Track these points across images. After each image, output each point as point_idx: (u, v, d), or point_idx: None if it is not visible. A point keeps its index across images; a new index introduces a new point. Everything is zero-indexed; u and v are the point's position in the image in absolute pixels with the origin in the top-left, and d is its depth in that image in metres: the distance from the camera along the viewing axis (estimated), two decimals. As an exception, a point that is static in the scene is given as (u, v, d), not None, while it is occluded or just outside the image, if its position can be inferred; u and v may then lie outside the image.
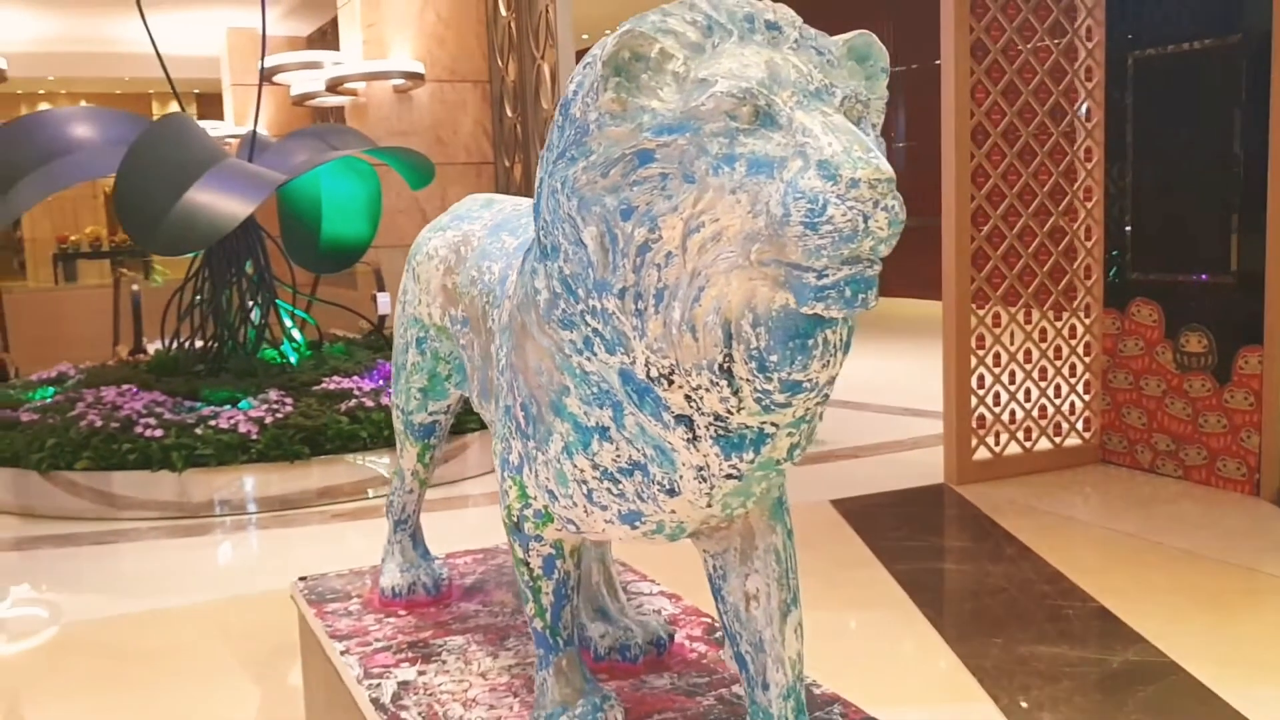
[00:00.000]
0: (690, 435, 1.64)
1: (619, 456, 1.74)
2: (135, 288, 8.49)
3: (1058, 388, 5.31)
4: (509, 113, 10.98)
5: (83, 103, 18.75)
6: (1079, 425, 5.38)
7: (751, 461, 1.66)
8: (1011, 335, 5.21)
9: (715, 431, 1.63)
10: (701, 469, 1.68)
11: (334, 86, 10.86)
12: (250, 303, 6.14)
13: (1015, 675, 3.16)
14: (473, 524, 4.75)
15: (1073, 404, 5.37)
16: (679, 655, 2.31)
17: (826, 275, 1.47)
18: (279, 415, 5.16)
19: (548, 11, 10.16)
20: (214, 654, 3.47)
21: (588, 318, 1.65)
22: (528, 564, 1.98)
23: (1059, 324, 5.30)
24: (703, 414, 1.62)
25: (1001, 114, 5.02)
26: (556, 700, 2.02)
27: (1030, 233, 5.16)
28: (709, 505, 1.72)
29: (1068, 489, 5.10)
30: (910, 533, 4.49)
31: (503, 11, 10.86)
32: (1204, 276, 4.87)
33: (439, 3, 10.92)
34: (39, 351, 8.22)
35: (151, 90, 21.36)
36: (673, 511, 1.75)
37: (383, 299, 8.75)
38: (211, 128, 14.88)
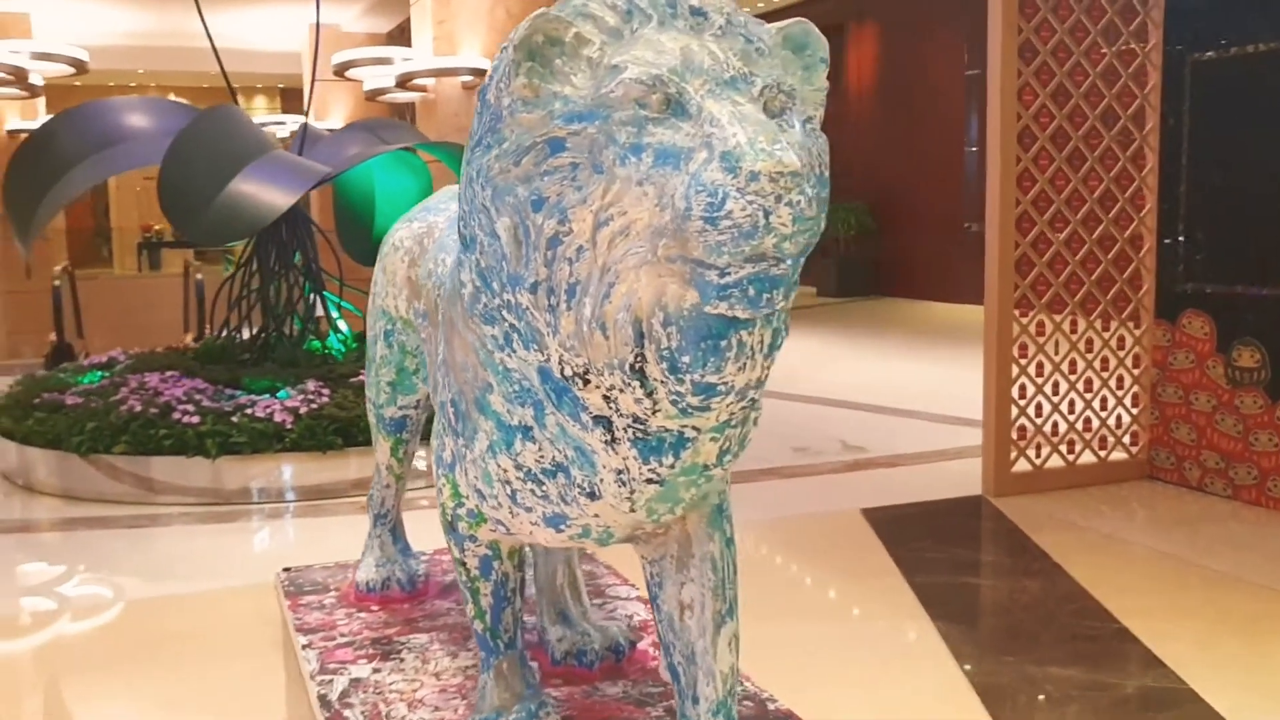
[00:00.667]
0: (609, 437, 1.59)
1: (542, 457, 1.69)
2: (199, 277, 8.67)
3: (1103, 400, 5.14)
4: (575, 110, 10.97)
5: (171, 96, 19.26)
6: (1125, 439, 5.19)
7: (672, 466, 1.60)
8: (1056, 344, 5.05)
9: (634, 434, 1.57)
10: (621, 472, 1.62)
11: (404, 82, 10.98)
12: (298, 294, 6.22)
13: (1020, 695, 3.05)
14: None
15: (1119, 417, 5.19)
16: (639, 663, 2.27)
17: (729, 273, 1.39)
18: (314, 406, 5.21)
19: (615, 9, 10.13)
20: (241, 637, 3.48)
21: (504, 312, 1.60)
22: (465, 565, 1.95)
23: (1106, 334, 5.12)
24: (621, 415, 1.56)
25: (1050, 117, 4.87)
26: (494, 704, 1.98)
27: (1078, 239, 5.00)
28: (632, 510, 1.66)
29: (1110, 505, 4.92)
30: (937, 544, 4.37)
31: (571, 9, 10.85)
32: (1260, 289, 4.66)
33: (510, 1, 10.95)
34: (116, 338, 8.43)
35: (239, 85, 21.84)
36: (596, 515, 1.70)
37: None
38: (278, 121, 15.15)
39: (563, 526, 1.75)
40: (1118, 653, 3.36)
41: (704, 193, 1.37)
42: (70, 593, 4.05)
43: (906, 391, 7.54)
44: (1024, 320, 4.96)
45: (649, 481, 1.62)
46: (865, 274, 16.15)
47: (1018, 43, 4.76)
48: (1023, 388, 5.00)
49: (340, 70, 12.12)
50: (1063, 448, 5.09)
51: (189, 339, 8.58)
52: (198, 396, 5.26)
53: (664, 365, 1.48)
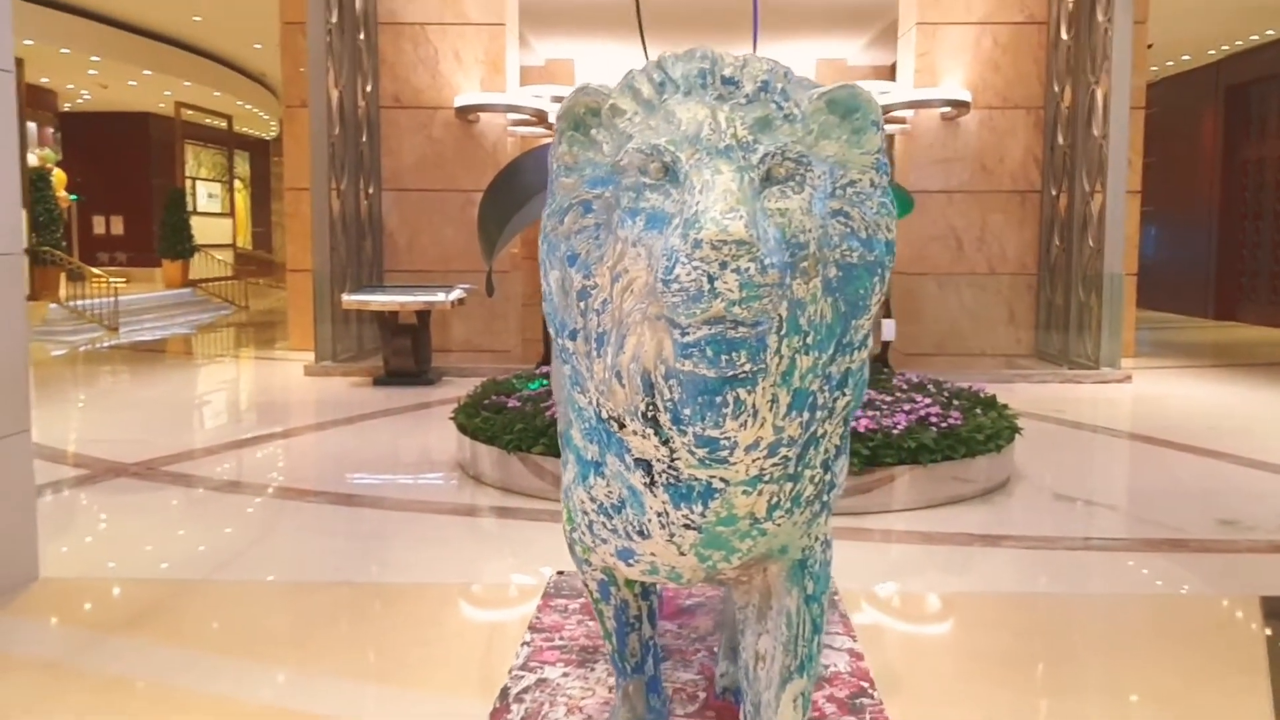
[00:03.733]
0: (648, 480, 1.71)
1: (610, 492, 1.82)
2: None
3: None
4: (1060, 140, 10.49)
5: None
6: None
7: (704, 514, 1.69)
8: None
9: (667, 479, 1.68)
10: (661, 515, 1.73)
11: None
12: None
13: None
14: (893, 559, 4.70)
15: None
16: (797, 711, 2.30)
17: (689, 333, 1.50)
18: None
19: (1105, 33, 9.59)
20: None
21: (564, 355, 1.78)
22: (587, 587, 2.11)
23: None
24: (659, 460, 1.68)
25: None
26: (616, 722, 2.14)
27: None
28: (681, 554, 1.76)
29: None
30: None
31: (1064, 35, 10.40)
32: None
33: (999, 30, 10.73)
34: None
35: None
36: (652, 555, 1.81)
37: (887, 325, 8.84)
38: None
39: (631, 561, 1.86)
40: None
41: (664, 256, 1.48)
42: (499, 573, 4.60)
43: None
44: None
45: (686, 527, 1.71)
46: None
47: None
48: None
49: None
50: None
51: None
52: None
53: (668, 416, 1.59)
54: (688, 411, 1.55)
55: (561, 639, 2.65)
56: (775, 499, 1.71)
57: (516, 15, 11.61)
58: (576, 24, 14.28)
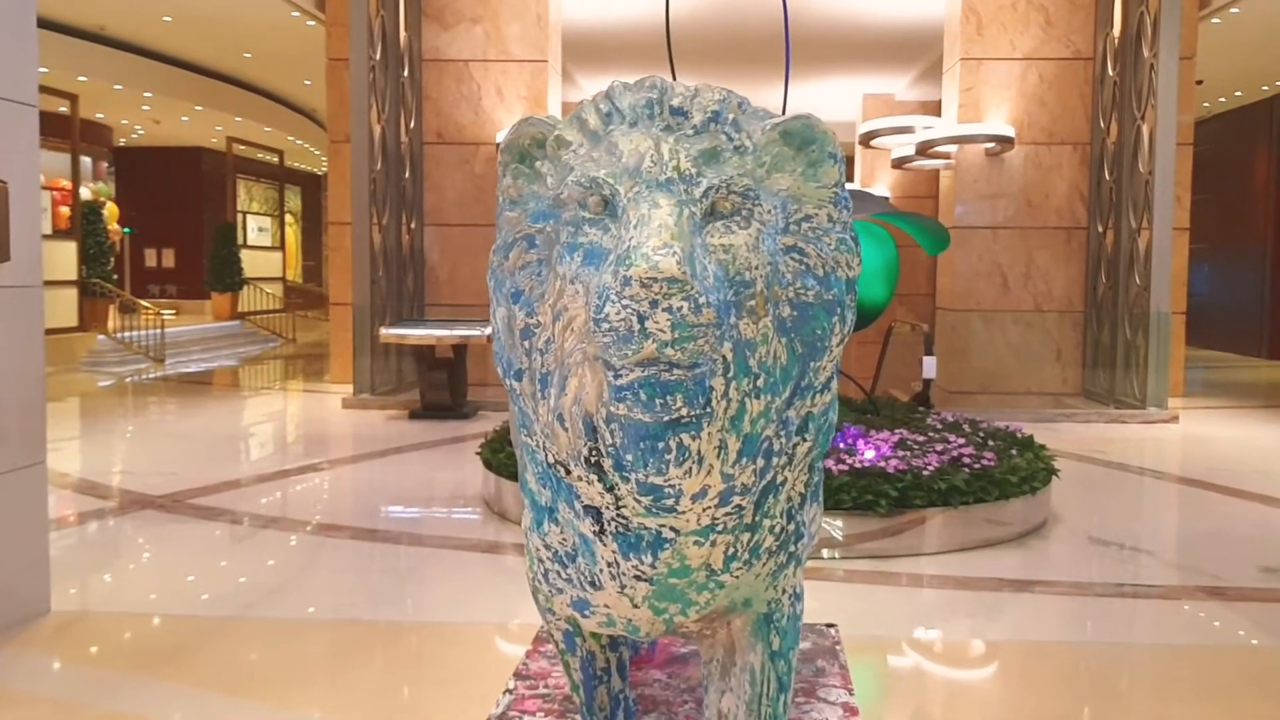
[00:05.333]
0: (598, 528, 1.61)
1: (564, 540, 1.73)
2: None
3: None
4: (1106, 176, 10.33)
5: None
6: None
7: (653, 565, 1.60)
8: None
9: (616, 527, 1.59)
10: (611, 565, 1.64)
11: (923, 150, 11.00)
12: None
13: None
14: (922, 605, 4.57)
15: None
16: (793, 770, 2.19)
17: (622, 375, 1.41)
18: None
19: (1151, 69, 9.45)
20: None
21: (512, 396, 1.70)
22: (552, 636, 2.01)
23: None
24: (607, 508, 1.59)
25: None
26: (584, 778, 2.04)
27: None
28: (635, 606, 1.67)
29: None
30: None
31: (1109, 71, 10.26)
32: None
33: (1044, 65, 10.63)
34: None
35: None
36: (606, 606, 1.72)
37: (928, 362, 8.71)
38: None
39: (587, 613, 1.77)
40: None
41: (596, 294, 1.41)
42: (508, 610, 4.55)
43: None
44: None
45: (637, 578, 1.62)
46: None
47: None
48: None
49: (865, 139, 12.41)
50: None
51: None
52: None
53: (611, 461, 1.50)
54: (630, 457, 1.46)
55: (546, 687, 2.56)
56: (732, 550, 1.62)
57: (559, 52, 11.67)
58: (620, 59, 14.36)
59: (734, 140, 1.55)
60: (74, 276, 15.32)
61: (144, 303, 16.10)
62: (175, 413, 10.67)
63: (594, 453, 1.51)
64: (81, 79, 15.33)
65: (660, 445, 1.44)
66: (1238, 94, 16.39)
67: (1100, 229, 10.48)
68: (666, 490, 1.48)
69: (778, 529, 1.68)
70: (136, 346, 14.99)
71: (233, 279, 19.94)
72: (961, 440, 5.68)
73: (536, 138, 1.63)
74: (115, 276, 17.02)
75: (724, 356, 1.44)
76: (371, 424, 9.26)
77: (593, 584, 1.69)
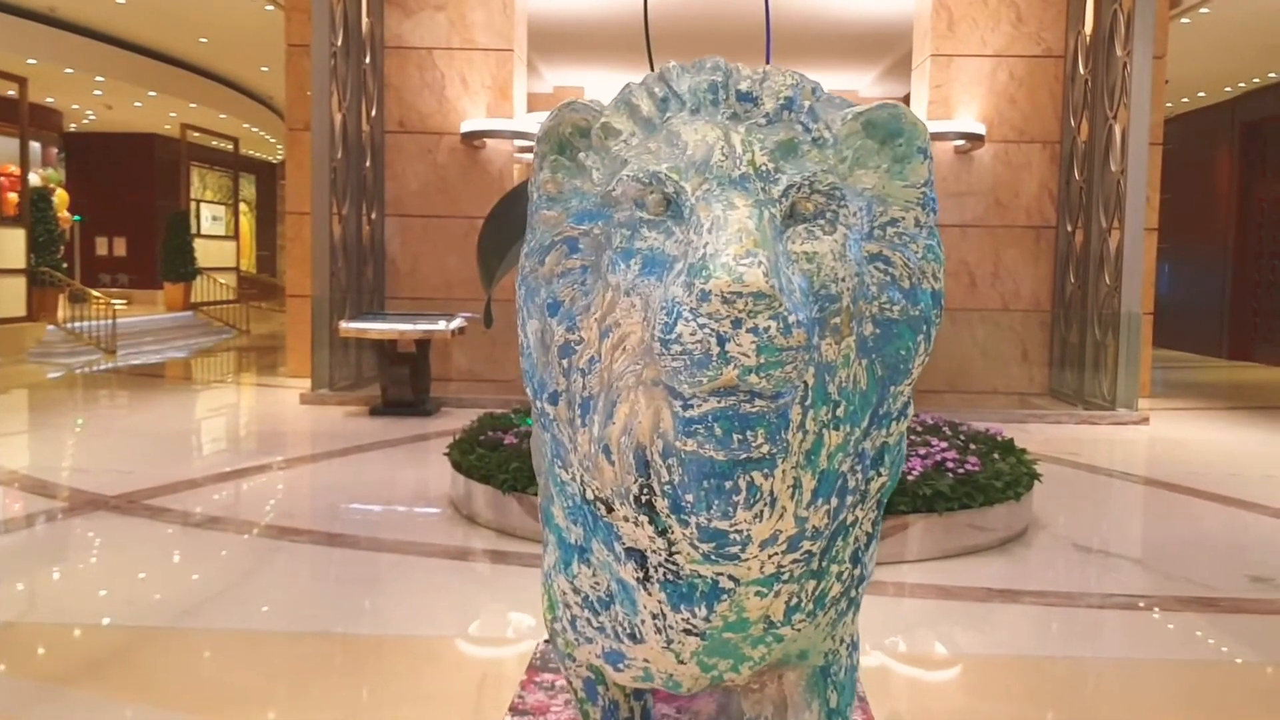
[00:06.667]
0: (642, 574, 1.41)
1: (596, 584, 1.53)
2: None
3: None
4: (1076, 175, 10.27)
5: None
6: None
7: (708, 619, 1.39)
8: None
9: (665, 574, 1.39)
10: (656, 617, 1.43)
11: (893, 146, 10.86)
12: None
13: None
14: (906, 614, 4.41)
15: None
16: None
17: (693, 406, 1.21)
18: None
19: (1124, 68, 9.39)
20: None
21: (544, 421, 1.49)
22: (571, 684, 1.81)
23: None
24: (655, 552, 1.38)
25: None
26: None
27: None
28: (680, 661, 1.47)
29: None
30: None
31: (1081, 69, 10.20)
32: None
33: (1015, 63, 10.55)
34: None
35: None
36: (645, 660, 1.51)
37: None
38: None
39: (621, 666, 1.57)
40: None
41: (663, 310, 1.20)
42: (477, 622, 4.35)
43: None
44: None
45: (687, 632, 1.42)
46: None
47: None
48: None
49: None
50: None
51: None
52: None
53: (667, 502, 1.30)
54: (690, 498, 1.27)
55: (546, 723, 2.39)
56: (795, 600, 1.43)
57: (525, 42, 11.44)
58: (586, 51, 14.14)
59: (811, 131, 1.36)
60: (22, 265, 14.87)
61: (95, 292, 15.67)
62: (127, 406, 10.34)
63: (646, 490, 1.31)
64: (31, 62, 14.87)
65: (728, 485, 1.24)
66: (1201, 94, 16.46)
67: (1069, 228, 10.43)
68: (732, 536, 1.28)
69: (845, 574, 1.49)
70: (87, 337, 14.59)
71: (186, 269, 19.49)
72: (944, 444, 5.55)
73: (579, 125, 1.42)
74: (65, 265, 16.56)
75: (805, 382, 1.26)
76: (331, 420, 9.01)
77: (631, 636, 1.49)
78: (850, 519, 1.45)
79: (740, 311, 1.14)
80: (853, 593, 1.55)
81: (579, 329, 1.36)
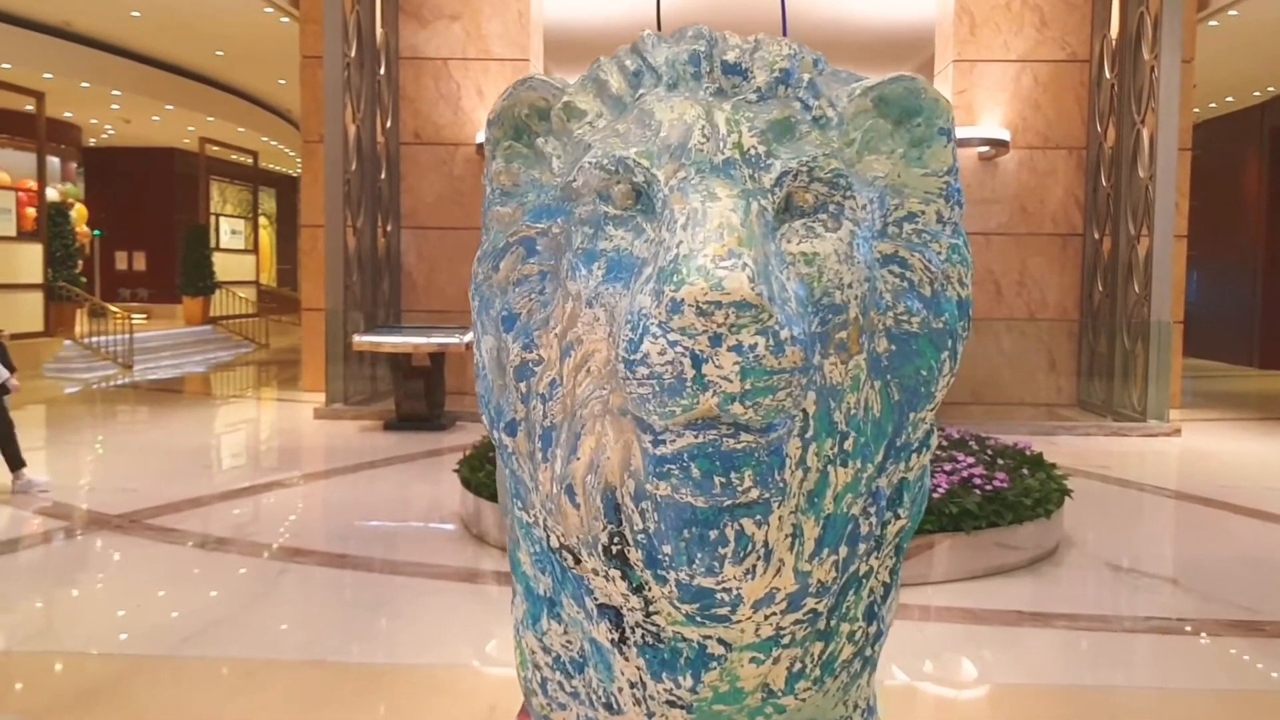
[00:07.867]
0: (616, 635, 1.19)
1: (569, 644, 1.30)
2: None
3: None
4: (1103, 181, 10.05)
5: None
6: None
7: (694, 689, 1.17)
8: None
9: (643, 636, 1.17)
10: (634, 685, 1.22)
11: (916, 154, 10.67)
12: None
13: None
14: (931, 639, 4.19)
15: None
16: None
17: (665, 441, 1.00)
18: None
19: (1152, 72, 9.17)
20: None
21: (503, 454, 1.28)
22: None
23: None
24: (631, 610, 1.17)
25: None
26: None
27: None
28: None
29: None
30: None
31: (1106, 73, 9.98)
32: None
33: (1039, 68, 10.35)
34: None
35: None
36: None
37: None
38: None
39: None
40: None
41: (628, 325, 0.99)
42: (484, 648, 4.18)
43: None
44: None
45: (671, 704, 1.20)
46: None
47: None
48: None
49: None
50: None
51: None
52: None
53: (641, 555, 1.09)
54: (668, 550, 1.06)
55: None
56: (799, 665, 1.22)
57: (541, 50, 11.31)
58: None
59: (811, 109, 1.15)
60: (40, 280, 14.84)
61: (113, 307, 15.63)
62: (142, 422, 10.24)
63: (616, 540, 1.11)
64: (47, 76, 14.85)
65: (712, 535, 1.03)
66: (1229, 99, 16.17)
67: (1097, 235, 10.20)
68: (719, 595, 1.07)
69: (857, 634, 1.27)
70: (105, 352, 14.53)
71: (205, 283, 19.45)
72: (970, 459, 5.35)
73: (537, 106, 1.22)
74: (84, 280, 16.54)
75: (804, 411, 1.05)
76: (344, 435, 8.87)
77: (608, 706, 1.28)
78: (863, 569, 1.23)
79: (720, 325, 0.94)
80: (867, 652, 1.32)
81: (537, 346, 1.16)
